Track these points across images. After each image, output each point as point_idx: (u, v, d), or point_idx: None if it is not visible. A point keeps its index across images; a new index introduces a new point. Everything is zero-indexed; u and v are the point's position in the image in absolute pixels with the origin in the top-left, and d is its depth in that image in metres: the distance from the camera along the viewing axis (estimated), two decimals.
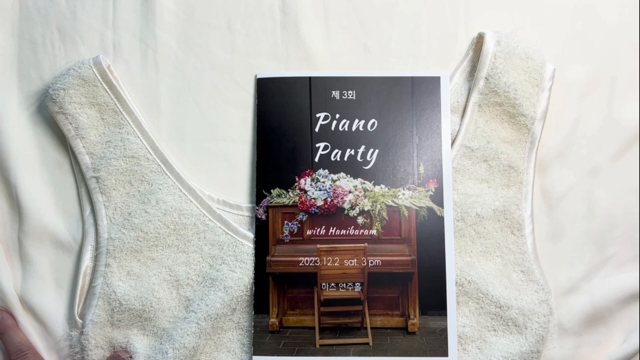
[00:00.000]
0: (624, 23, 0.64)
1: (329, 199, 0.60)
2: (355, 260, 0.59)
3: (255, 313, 0.58)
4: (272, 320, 0.58)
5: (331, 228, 0.60)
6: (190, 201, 0.60)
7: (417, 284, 0.59)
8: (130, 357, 0.57)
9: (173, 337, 0.57)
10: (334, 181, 0.60)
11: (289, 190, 0.60)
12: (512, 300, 0.58)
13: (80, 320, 0.58)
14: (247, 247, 0.59)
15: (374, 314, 0.59)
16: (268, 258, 0.59)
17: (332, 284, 0.59)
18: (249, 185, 0.62)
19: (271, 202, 0.60)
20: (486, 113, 0.61)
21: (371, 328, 0.59)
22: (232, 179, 0.62)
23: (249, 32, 0.64)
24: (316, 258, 0.59)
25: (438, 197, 0.59)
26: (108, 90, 0.60)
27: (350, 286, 0.59)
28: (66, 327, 0.59)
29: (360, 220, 0.60)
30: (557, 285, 0.60)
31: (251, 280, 0.59)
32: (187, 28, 0.64)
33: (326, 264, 0.59)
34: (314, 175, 0.60)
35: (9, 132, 0.61)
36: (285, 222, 0.60)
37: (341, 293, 0.59)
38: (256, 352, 0.58)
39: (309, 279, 0.59)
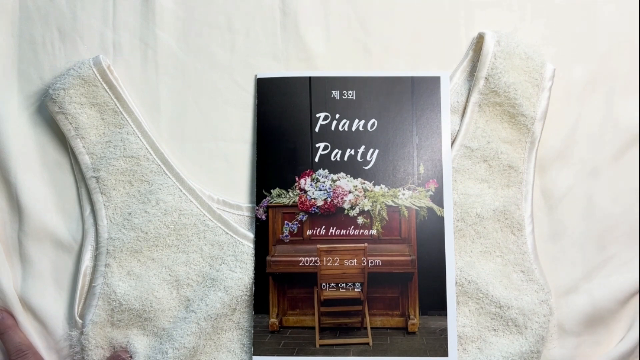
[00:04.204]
0: (624, 23, 0.64)
1: (329, 199, 0.60)
2: (355, 260, 0.59)
3: (255, 313, 0.58)
4: (272, 320, 0.58)
5: (331, 228, 0.60)
6: (190, 201, 0.60)
7: (417, 284, 0.59)
8: (130, 357, 0.57)
9: (173, 337, 0.57)
10: (334, 181, 0.60)
11: (289, 190, 0.60)
12: (512, 300, 0.58)
13: (80, 320, 0.58)
14: (247, 247, 0.59)
15: (374, 314, 0.59)
16: (268, 258, 0.59)
17: (332, 284, 0.59)
18: (249, 185, 0.62)
19: (271, 202, 0.60)
20: (486, 113, 0.61)
21: (371, 328, 0.59)
22: (232, 179, 0.62)
23: (249, 32, 0.64)
24: (316, 258, 0.59)
25: (438, 197, 0.59)
26: (108, 90, 0.60)
27: (350, 286, 0.59)
28: (66, 327, 0.59)
29: (360, 220, 0.60)
30: (557, 285, 0.60)
31: (251, 280, 0.59)
32: (187, 28, 0.64)
33: (326, 264, 0.59)
34: (314, 175, 0.60)
35: (9, 132, 0.61)
36: (285, 222, 0.60)
37: (341, 293, 0.59)
38: (256, 352, 0.58)
39: (309, 279, 0.59)
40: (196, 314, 0.57)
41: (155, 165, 0.60)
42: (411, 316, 0.59)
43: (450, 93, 0.62)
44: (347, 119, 0.61)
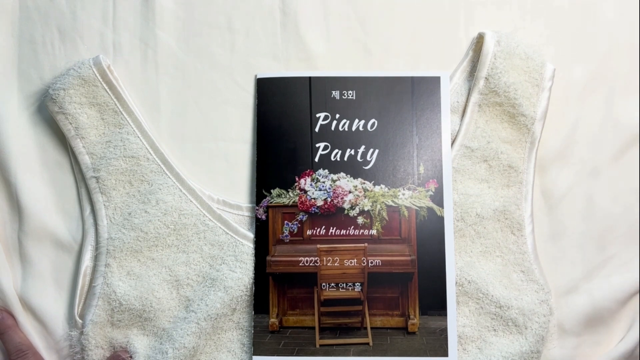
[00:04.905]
0: (624, 23, 0.64)
1: (329, 199, 0.60)
2: (355, 260, 0.59)
3: (255, 313, 0.58)
4: (272, 320, 0.58)
5: (331, 228, 0.60)
6: (190, 201, 0.60)
7: (417, 284, 0.59)
8: (130, 357, 0.57)
9: (173, 337, 0.57)
10: (334, 181, 0.60)
11: (289, 190, 0.60)
12: (512, 300, 0.58)
13: (80, 320, 0.58)
14: (247, 247, 0.59)
15: (374, 314, 0.59)
16: (268, 258, 0.59)
17: (332, 284, 0.59)
18: (249, 185, 0.62)
19: (271, 202, 0.60)
20: (486, 113, 0.61)
21: (371, 328, 0.59)
22: (232, 179, 0.62)
23: (249, 32, 0.64)
24: (316, 258, 0.59)
25: (438, 197, 0.59)
26: (108, 90, 0.61)
27: (350, 286, 0.59)
28: (66, 327, 0.59)
29: (360, 220, 0.60)
30: (557, 285, 0.60)
31: (251, 280, 0.59)
32: (187, 28, 0.64)
33: (326, 264, 0.59)
34: (314, 175, 0.60)
35: (9, 132, 0.61)
36: (285, 222, 0.60)
37: (341, 293, 0.59)
38: (256, 352, 0.58)
39: (309, 279, 0.59)
40: (196, 314, 0.57)
41: (155, 165, 0.60)
42: (411, 316, 0.59)
43: (450, 93, 0.62)
44: (347, 119, 0.61)
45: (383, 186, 0.60)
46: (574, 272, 0.61)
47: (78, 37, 0.63)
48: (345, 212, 0.60)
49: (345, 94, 0.61)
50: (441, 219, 0.59)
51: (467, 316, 0.58)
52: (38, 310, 0.60)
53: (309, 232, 0.60)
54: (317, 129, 0.61)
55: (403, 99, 0.61)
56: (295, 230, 0.60)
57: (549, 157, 0.62)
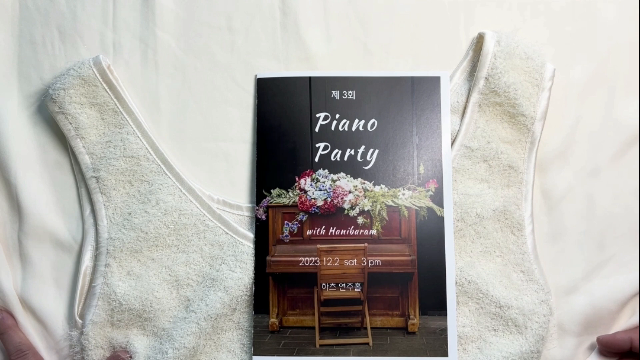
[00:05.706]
0: (624, 23, 0.64)
1: (329, 199, 0.60)
2: (355, 260, 0.59)
3: (255, 313, 0.58)
4: (272, 320, 0.58)
5: (331, 228, 0.60)
6: (190, 201, 0.60)
7: (417, 284, 0.59)
8: (130, 357, 0.57)
9: (173, 337, 0.57)
10: (334, 181, 0.60)
11: (289, 190, 0.60)
12: (512, 300, 0.58)
13: (80, 320, 0.58)
14: (247, 247, 0.59)
15: (374, 314, 0.59)
16: (268, 258, 0.59)
17: (332, 284, 0.59)
18: (249, 185, 0.62)
19: (271, 202, 0.60)
20: (486, 113, 0.61)
21: (371, 328, 0.59)
22: (232, 179, 0.62)
23: (249, 32, 0.64)
24: (316, 258, 0.59)
25: (438, 197, 0.59)
26: (108, 90, 0.61)
27: (350, 286, 0.59)
28: (66, 327, 0.59)
29: (360, 220, 0.60)
30: (557, 285, 0.60)
31: (251, 280, 0.59)
32: (187, 28, 0.64)
33: (326, 264, 0.59)
34: (314, 175, 0.60)
35: (9, 132, 0.61)
36: (285, 222, 0.60)
37: (341, 293, 0.59)
38: (256, 352, 0.58)
39: (309, 279, 0.59)
40: (196, 314, 0.57)
41: (155, 165, 0.60)
42: (411, 316, 0.59)
43: (450, 93, 0.62)
44: (347, 119, 0.61)
45: (383, 186, 0.60)
46: (574, 272, 0.61)
47: (78, 37, 0.63)
48: (345, 212, 0.60)
49: (345, 94, 0.61)
50: (441, 219, 0.59)
51: (467, 316, 0.58)
52: (38, 310, 0.60)
53: (309, 232, 0.60)
54: (317, 129, 0.61)
55: (403, 99, 0.61)
56: (295, 230, 0.60)
57: (549, 157, 0.62)
